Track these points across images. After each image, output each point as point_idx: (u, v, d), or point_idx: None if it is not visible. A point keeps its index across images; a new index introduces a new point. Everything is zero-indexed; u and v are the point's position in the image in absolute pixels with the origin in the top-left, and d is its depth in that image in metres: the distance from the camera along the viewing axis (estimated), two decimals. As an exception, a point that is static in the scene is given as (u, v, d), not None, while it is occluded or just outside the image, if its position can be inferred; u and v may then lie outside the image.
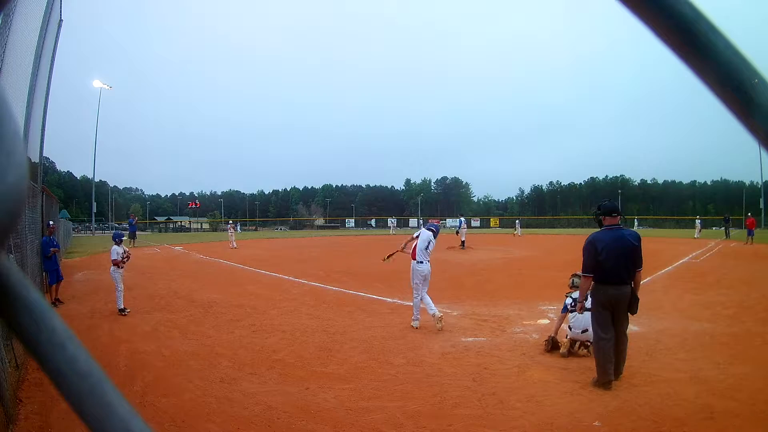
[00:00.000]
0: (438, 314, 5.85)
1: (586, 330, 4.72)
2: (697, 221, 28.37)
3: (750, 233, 22.05)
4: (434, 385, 4.02)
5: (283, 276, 11.36)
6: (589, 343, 4.71)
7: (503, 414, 3.46)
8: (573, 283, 5.23)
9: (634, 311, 4.08)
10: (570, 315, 4.90)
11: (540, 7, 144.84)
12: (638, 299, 4.08)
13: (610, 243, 3.98)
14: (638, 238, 4.06)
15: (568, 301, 4.99)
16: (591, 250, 4.04)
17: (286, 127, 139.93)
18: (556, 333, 4.97)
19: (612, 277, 4.00)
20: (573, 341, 4.85)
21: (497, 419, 3.38)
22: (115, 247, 7.29)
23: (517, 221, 37.67)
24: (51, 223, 8.75)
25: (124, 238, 7.83)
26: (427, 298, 6.05)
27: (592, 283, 4.12)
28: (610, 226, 4.11)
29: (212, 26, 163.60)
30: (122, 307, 7.07)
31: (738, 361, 4.45)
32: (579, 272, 5.02)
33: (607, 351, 3.96)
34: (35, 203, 7.98)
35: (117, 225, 52.09)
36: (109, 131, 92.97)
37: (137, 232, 26.23)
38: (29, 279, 0.28)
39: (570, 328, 4.84)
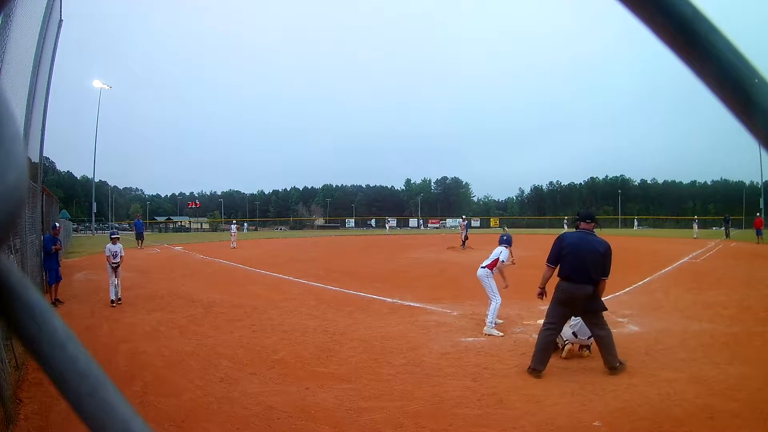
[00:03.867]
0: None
1: (590, 336, 4.72)
2: (694, 223, 28.52)
3: (759, 233, 21.98)
4: (434, 385, 4.02)
5: (283, 276, 11.36)
6: (589, 344, 4.72)
7: (503, 414, 3.46)
8: None
9: (597, 308, 4.22)
10: (572, 321, 4.79)
11: (540, 7, 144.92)
12: (599, 297, 4.24)
13: (574, 242, 4.28)
14: (606, 247, 4.22)
15: None
16: (557, 244, 4.39)
17: (287, 127, 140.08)
18: None
19: (571, 275, 4.21)
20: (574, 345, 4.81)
21: (497, 419, 3.38)
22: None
23: (564, 220, 37.40)
24: (57, 225, 8.76)
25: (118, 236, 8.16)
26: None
27: (558, 280, 4.35)
28: (581, 230, 4.41)
29: (212, 26, 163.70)
30: (113, 298, 7.62)
31: (738, 361, 4.45)
32: None
33: (545, 341, 4.22)
34: (35, 203, 7.99)
35: (117, 225, 52.09)
36: (109, 131, 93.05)
37: (144, 233, 24.02)
38: (29, 279, 0.28)
39: (575, 335, 4.78)
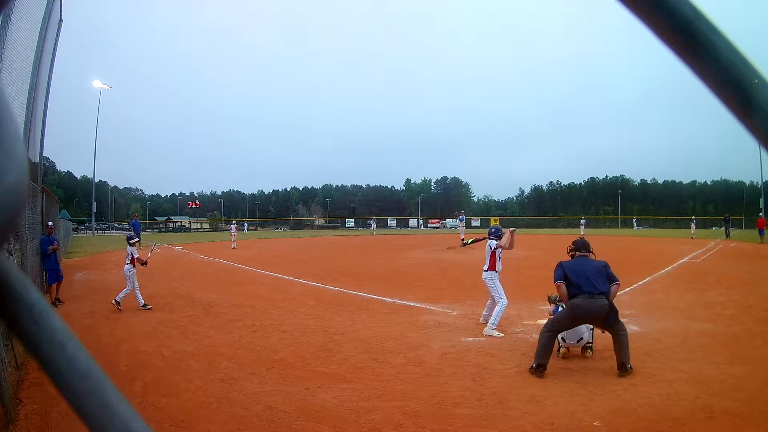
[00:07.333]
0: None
1: (581, 339, 4.73)
2: (692, 223, 28.71)
3: (761, 233, 22.08)
4: (434, 385, 4.02)
5: (283, 276, 11.36)
6: (590, 344, 4.72)
7: (503, 414, 3.46)
8: (552, 300, 5.29)
9: (612, 322, 4.22)
10: None
11: (540, 6, 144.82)
12: (617, 311, 4.27)
13: (575, 263, 4.48)
14: (604, 263, 4.46)
15: (560, 309, 4.92)
16: (559, 268, 4.48)
17: (286, 127, 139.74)
18: None
19: (581, 291, 4.24)
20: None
21: (497, 419, 3.38)
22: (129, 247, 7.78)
23: (582, 220, 37.16)
24: (50, 223, 8.76)
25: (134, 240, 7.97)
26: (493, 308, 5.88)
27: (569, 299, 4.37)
28: (579, 256, 4.60)
29: (212, 25, 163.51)
30: (143, 303, 7.42)
31: (738, 361, 4.45)
32: (550, 295, 5.33)
33: (546, 341, 4.26)
34: (35, 203, 7.98)
35: (117, 225, 52.12)
36: (109, 131, 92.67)
37: (140, 233, 25.19)
38: (29, 279, 0.28)
39: (564, 340, 4.75)
